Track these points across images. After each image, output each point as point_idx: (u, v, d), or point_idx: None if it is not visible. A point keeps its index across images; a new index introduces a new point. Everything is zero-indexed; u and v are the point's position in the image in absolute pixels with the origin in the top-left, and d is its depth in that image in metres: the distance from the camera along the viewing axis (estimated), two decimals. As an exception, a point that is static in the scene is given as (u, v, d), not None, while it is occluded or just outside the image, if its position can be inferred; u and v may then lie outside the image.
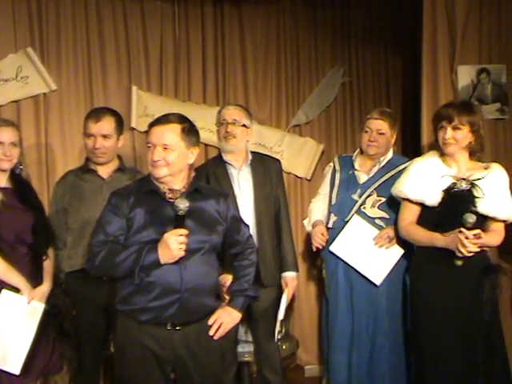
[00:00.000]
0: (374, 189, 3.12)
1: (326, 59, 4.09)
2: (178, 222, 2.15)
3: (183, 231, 2.14)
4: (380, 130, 3.12)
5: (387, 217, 3.07)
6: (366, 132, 3.16)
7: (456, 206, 2.68)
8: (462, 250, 2.58)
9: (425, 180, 2.80)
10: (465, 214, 2.56)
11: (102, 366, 3.06)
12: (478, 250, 2.60)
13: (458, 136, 2.74)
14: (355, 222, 3.09)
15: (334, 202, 3.21)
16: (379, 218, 3.09)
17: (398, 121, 3.35)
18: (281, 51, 4.01)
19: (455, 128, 2.73)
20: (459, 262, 2.64)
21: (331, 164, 3.35)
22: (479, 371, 2.69)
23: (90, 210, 2.79)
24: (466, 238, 2.56)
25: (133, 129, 3.71)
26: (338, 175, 3.25)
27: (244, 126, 3.04)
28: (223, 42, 3.90)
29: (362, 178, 3.18)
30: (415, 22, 3.66)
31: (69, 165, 3.46)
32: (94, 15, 3.67)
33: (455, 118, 2.72)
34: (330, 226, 3.20)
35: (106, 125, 2.87)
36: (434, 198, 2.76)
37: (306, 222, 3.40)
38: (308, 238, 3.45)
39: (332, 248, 3.11)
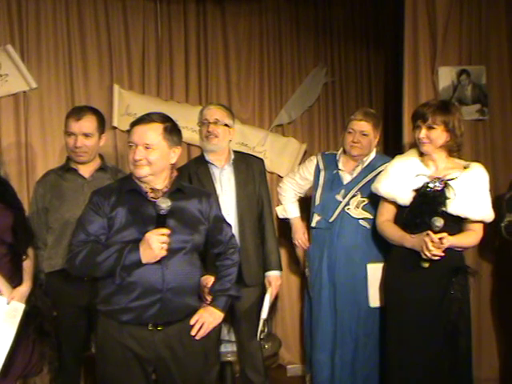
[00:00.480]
0: (358, 189, 3.12)
1: (309, 59, 4.10)
2: (160, 221, 2.14)
3: (165, 231, 2.13)
4: (363, 131, 3.12)
5: (371, 217, 3.06)
6: (350, 133, 3.15)
7: (424, 206, 2.67)
8: (426, 252, 2.59)
9: (400, 179, 2.80)
10: (433, 218, 2.55)
11: (82, 366, 3.03)
12: (443, 254, 2.59)
13: (432, 135, 2.73)
14: (372, 271, 3.04)
15: (317, 202, 3.20)
16: (363, 218, 3.09)
17: (381, 121, 3.37)
18: (263, 50, 4.00)
19: (429, 127, 2.73)
20: (425, 264, 2.65)
21: (313, 160, 3.33)
22: (442, 374, 2.68)
23: (70, 210, 2.77)
24: (432, 241, 2.56)
25: (114, 128, 3.68)
26: (322, 174, 3.25)
27: (226, 125, 3.02)
28: (206, 40, 3.89)
29: (346, 178, 3.18)
30: (397, 22, 3.68)
31: (49, 164, 3.43)
32: (75, 12, 3.64)
33: (429, 117, 2.72)
34: (313, 225, 3.21)
35: (88, 123, 2.84)
36: (405, 198, 2.76)
37: (279, 209, 3.41)
38: (288, 234, 3.47)
39: (372, 304, 3.05)
